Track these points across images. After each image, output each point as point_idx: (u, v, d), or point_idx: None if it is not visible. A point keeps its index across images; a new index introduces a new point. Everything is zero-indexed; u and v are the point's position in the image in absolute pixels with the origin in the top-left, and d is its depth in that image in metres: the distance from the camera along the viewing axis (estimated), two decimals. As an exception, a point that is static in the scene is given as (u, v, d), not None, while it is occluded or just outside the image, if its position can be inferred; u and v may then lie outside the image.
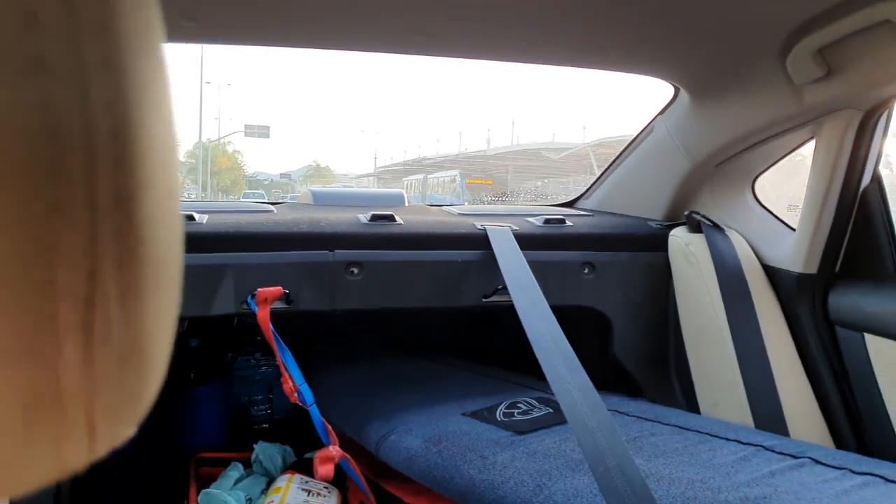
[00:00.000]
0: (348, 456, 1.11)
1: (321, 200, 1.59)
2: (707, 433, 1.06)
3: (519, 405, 1.19)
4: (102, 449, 0.18)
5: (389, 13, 1.05)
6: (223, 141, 31.23)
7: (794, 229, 1.27)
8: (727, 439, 1.03)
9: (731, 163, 1.40)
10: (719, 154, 1.38)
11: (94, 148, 0.16)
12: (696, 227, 1.39)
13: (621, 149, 1.65)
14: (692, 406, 1.35)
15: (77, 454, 0.17)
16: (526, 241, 1.31)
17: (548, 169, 28.77)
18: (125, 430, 0.19)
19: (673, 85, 1.39)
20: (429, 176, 26.53)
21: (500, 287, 1.27)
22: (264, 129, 27.55)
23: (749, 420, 1.18)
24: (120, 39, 0.17)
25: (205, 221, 1.23)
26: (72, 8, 0.15)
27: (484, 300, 1.30)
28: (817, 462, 0.93)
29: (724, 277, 1.28)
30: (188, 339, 1.57)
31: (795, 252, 1.22)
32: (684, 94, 1.38)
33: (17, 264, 0.15)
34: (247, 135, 27.58)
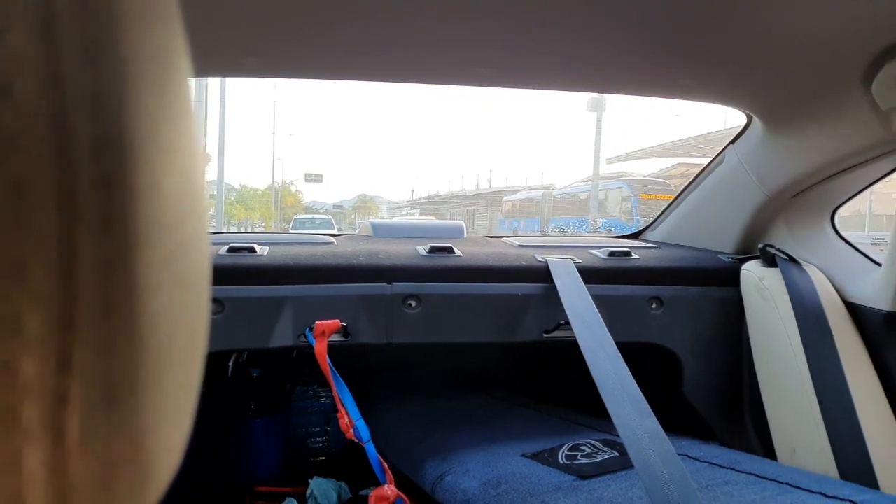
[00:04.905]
0: (404, 496, 1.08)
1: (381, 232, 1.59)
2: (787, 483, 0.98)
3: (582, 447, 1.14)
4: None
5: (453, 46, 1.04)
6: (287, 184, 39.34)
7: (879, 264, 1.19)
8: (810, 491, 0.94)
9: (809, 194, 1.33)
10: (796, 185, 1.31)
11: (73, 196, 0.13)
12: (770, 261, 1.31)
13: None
14: (768, 452, 1.26)
15: None
16: (590, 275, 1.26)
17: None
18: None
19: (746, 113, 1.33)
20: (553, 192, 24.54)
21: (562, 322, 1.23)
22: (319, 176, 35.32)
23: (832, 470, 1.09)
24: (117, 71, 0.14)
25: (265, 253, 1.24)
26: (52, 35, 0.13)
27: (545, 335, 1.26)
28: None
29: (802, 314, 1.20)
30: (248, 368, 1.58)
31: (882, 288, 1.14)
32: (758, 122, 1.32)
33: None
34: (306, 181, 35.36)
